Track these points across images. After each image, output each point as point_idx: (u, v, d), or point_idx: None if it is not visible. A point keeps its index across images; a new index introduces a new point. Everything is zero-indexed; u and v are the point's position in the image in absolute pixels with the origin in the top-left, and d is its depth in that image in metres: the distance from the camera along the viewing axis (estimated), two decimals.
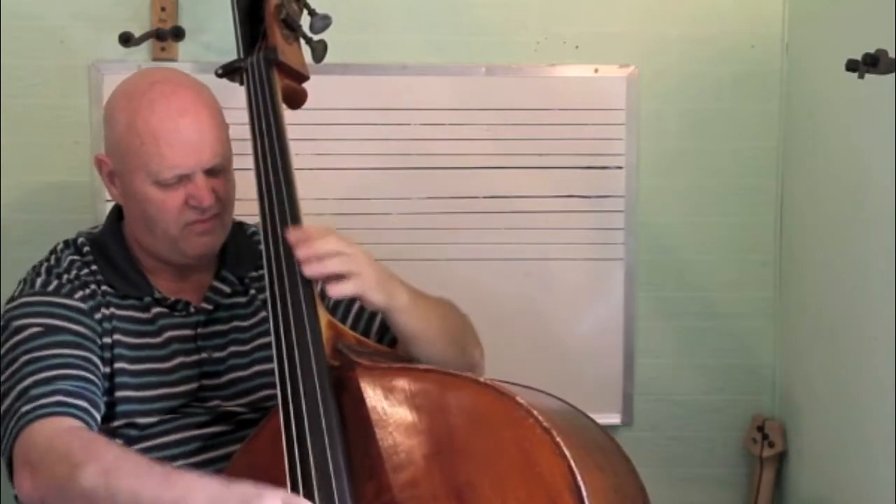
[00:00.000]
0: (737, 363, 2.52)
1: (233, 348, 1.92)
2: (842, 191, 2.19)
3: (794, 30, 2.42)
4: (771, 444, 2.44)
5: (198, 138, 1.82)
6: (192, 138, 1.82)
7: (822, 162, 2.30)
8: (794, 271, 2.45)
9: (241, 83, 2.00)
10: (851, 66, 1.74)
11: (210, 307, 1.92)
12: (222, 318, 1.93)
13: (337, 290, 1.71)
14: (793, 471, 2.45)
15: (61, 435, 1.65)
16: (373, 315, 1.92)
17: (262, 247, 1.79)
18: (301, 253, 1.71)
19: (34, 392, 1.70)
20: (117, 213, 1.95)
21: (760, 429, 2.45)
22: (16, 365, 1.75)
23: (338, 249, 1.71)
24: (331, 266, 1.70)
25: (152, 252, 1.91)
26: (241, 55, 2.03)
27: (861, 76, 1.73)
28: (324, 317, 1.72)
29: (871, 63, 1.71)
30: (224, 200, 1.87)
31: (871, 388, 2.05)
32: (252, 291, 1.96)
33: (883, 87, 1.84)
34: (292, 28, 2.06)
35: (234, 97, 2.00)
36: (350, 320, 1.92)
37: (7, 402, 1.72)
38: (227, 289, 1.94)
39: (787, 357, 2.48)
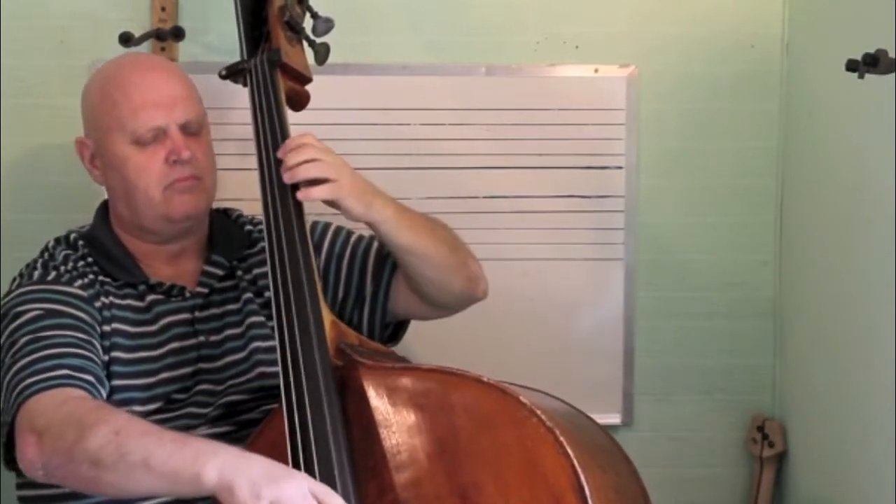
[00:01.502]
0: (737, 363, 2.52)
1: (228, 332, 1.93)
2: (842, 191, 2.19)
3: (794, 30, 2.42)
4: (771, 444, 2.44)
5: (169, 91, 1.88)
6: (163, 91, 1.87)
7: (822, 162, 2.30)
8: (794, 271, 2.45)
9: (245, 85, 2.00)
10: (851, 66, 1.73)
11: (205, 290, 1.93)
12: (216, 302, 1.94)
13: (312, 194, 1.75)
14: (793, 471, 2.45)
15: (69, 402, 1.64)
16: (368, 247, 1.97)
17: (266, 246, 1.80)
18: (281, 158, 1.76)
19: (39, 366, 1.70)
20: (104, 209, 1.97)
21: (760, 429, 2.45)
22: (17, 345, 1.74)
23: (315, 157, 1.75)
24: (305, 171, 1.74)
25: (139, 228, 1.91)
26: (245, 57, 2.03)
27: (861, 76, 1.73)
28: (328, 317, 1.73)
29: (871, 63, 1.71)
30: (203, 165, 1.89)
31: (871, 388, 2.05)
32: (239, 273, 1.97)
33: (883, 87, 1.84)
34: (296, 30, 2.06)
35: (237, 99, 2.00)
36: (345, 267, 1.97)
37: (8, 377, 1.71)
38: (219, 272, 1.95)
39: (787, 357, 2.48)
